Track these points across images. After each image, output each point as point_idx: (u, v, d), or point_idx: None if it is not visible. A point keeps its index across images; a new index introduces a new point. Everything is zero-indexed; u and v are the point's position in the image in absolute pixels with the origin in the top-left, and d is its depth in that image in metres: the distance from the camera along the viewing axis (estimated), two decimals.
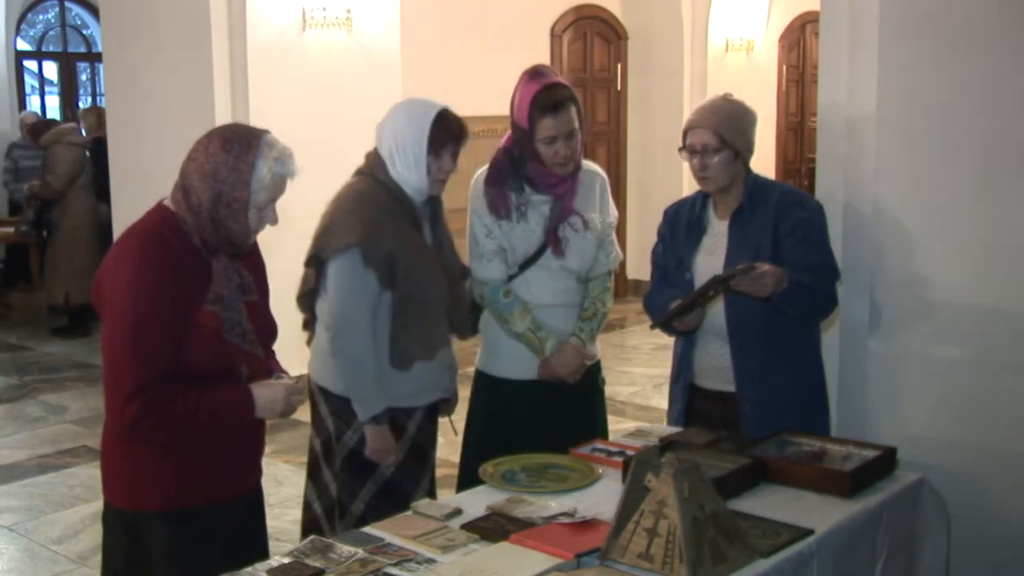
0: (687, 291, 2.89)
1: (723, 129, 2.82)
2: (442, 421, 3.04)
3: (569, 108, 2.93)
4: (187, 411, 2.21)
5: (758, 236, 2.84)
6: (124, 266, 2.23)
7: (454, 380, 3.00)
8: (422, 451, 2.90)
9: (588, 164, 3.14)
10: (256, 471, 2.51)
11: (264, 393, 2.32)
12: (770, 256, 2.79)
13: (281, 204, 2.60)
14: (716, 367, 2.93)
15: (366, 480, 2.82)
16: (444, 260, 2.89)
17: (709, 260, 2.91)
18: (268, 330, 2.51)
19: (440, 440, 3.02)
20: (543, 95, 2.92)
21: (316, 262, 2.80)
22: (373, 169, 2.83)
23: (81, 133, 8.66)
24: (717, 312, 2.88)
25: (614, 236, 3.18)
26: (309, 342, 2.95)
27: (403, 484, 2.84)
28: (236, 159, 2.21)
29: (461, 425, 3.14)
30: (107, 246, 2.54)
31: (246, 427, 2.34)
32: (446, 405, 3.00)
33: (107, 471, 2.38)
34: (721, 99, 2.90)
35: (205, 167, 2.23)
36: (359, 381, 2.76)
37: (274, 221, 2.34)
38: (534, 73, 2.98)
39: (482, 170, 3.08)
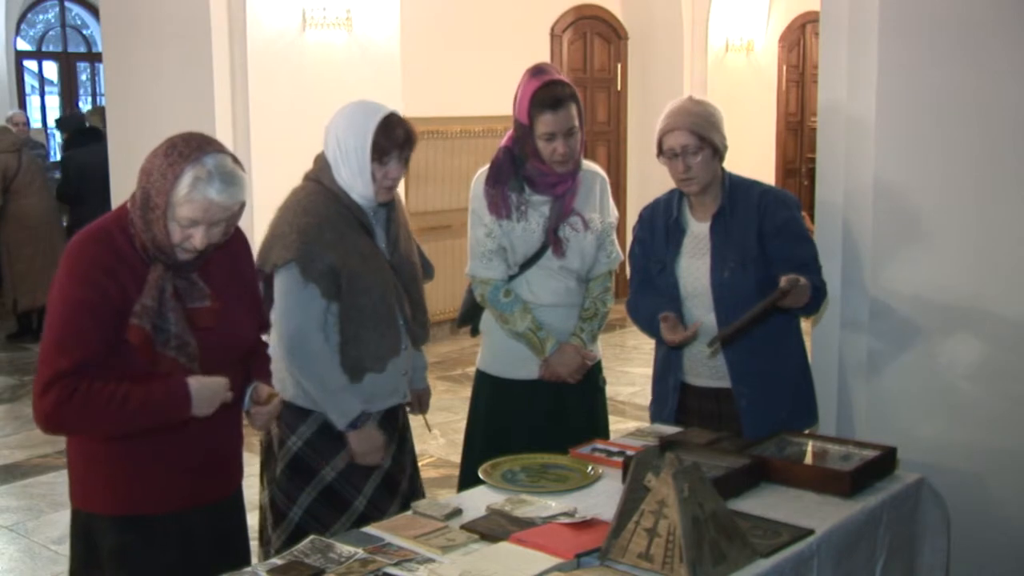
0: (673, 295, 2.92)
1: (700, 128, 2.84)
2: (416, 420, 3.04)
3: (569, 106, 2.93)
4: (113, 401, 2.10)
5: (742, 236, 2.86)
6: (65, 260, 2.17)
7: (422, 380, 3.00)
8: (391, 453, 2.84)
9: (588, 164, 3.14)
10: (228, 479, 2.42)
11: (204, 384, 2.18)
12: (756, 255, 2.83)
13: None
14: (707, 363, 2.94)
15: (305, 486, 2.74)
16: (399, 265, 2.80)
17: (693, 263, 2.92)
18: (238, 338, 2.34)
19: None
20: (543, 91, 2.92)
21: (261, 275, 2.67)
22: (319, 174, 2.75)
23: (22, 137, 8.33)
24: (706, 309, 2.89)
25: (614, 236, 3.18)
26: None
27: (343, 491, 2.76)
28: (168, 166, 2.12)
29: (437, 420, 3.11)
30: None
31: (185, 423, 2.19)
32: (406, 408, 2.95)
33: (69, 470, 2.35)
34: (688, 101, 2.92)
35: (145, 165, 2.18)
36: (327, 394, 2.69)
37: (198, 245, 2.15)
38: (536, 70, 2.99)
39: (483, 170, 3.08)
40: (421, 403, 3.05)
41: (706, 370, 2.96)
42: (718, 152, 2.88)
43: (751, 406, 2.89)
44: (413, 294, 2.85)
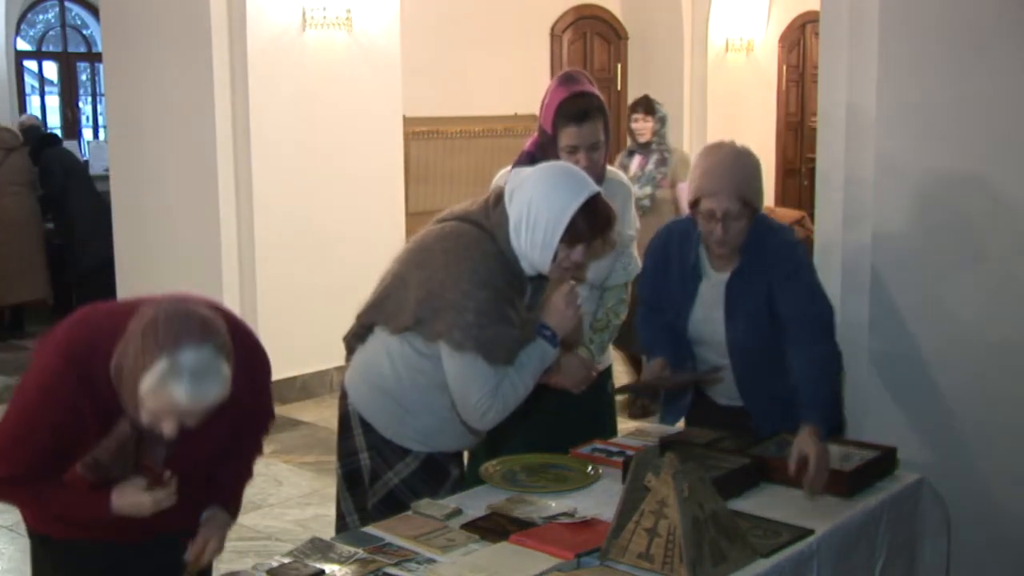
0: (684, 338, 2.82)
1: (744, 192, 2.61)
2: None
3: (595, 119, 2.83)
4: (36, 500, 2.11)
5: (755, 298, 2.71)
6: (47, 354, 2.04)
7: None
8: (458, 489, 2.71)
9: (614, 173, 3.05)
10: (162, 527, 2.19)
11: (126, 501, 2.05)
12: (768, 315, 2.69)
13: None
14: (722, 389, 2.85)
15: None
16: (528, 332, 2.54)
17: (708, 315, 2.78)
18: (196, 473, 2.16)
19: None
20: (569, 103, 2.82)
21: (410, 327, 2.45)
22: (494, 228, 2.42)
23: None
24: (720, 355, 2.80)
25: (633, 248, 3.07)
26: (349, 349, 2.72)
27: None
28: (142, 350, 1.89)
29: None
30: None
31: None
32: None
33: None
34: (731, 156, 2.67)
35: (127, 332, 1.94)
36: (534, 372, 2.47)
37: (168, 433, 1.96)
38: (565, 78, 2.90)
39: (503, 171, 3.01)
40: None
41: (715, 389, 2.88)
42: (757, 211, 2.69)
43: (765, 422, 2.79)
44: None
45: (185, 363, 1.87)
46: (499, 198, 2.46)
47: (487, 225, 2.43)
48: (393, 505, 2.59)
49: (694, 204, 2.68)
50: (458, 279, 2.36)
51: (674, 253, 2.83)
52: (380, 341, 2.58)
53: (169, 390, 1.87)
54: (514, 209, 2.40)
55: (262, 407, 2.30)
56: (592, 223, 2.37)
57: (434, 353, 2.45)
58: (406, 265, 2.52)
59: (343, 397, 2.72)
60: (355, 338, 2.69)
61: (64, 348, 2.02)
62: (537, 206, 2.36)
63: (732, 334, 2.75)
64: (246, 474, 2.37)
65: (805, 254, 2.80)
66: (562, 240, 2.35)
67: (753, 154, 2.71)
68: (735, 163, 2.65)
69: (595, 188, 2.40)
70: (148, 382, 1.87)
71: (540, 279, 2.53)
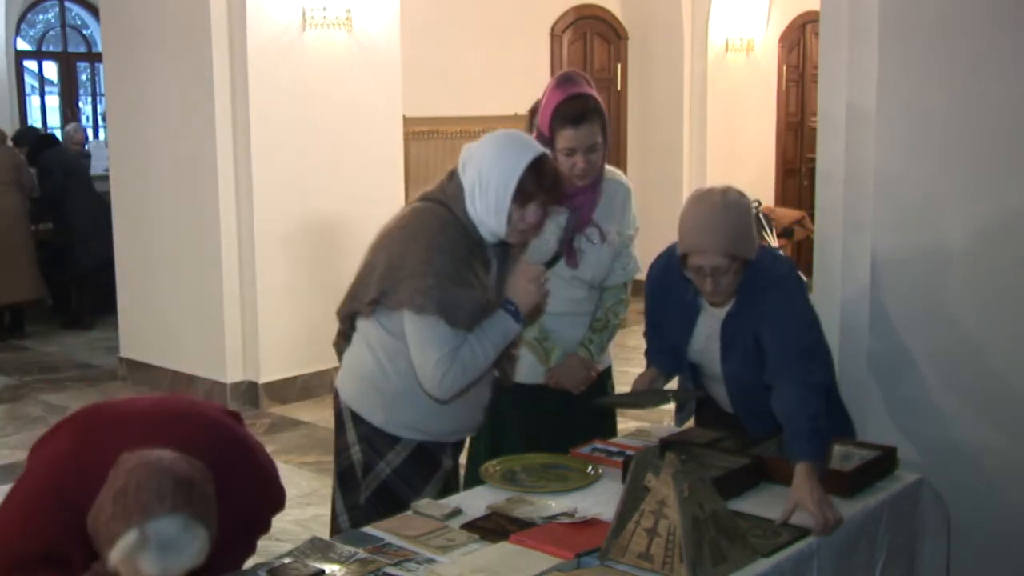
0: (683, 362, 2.83)
1: (733, 247, 2.54)
2: None
3: (593, 121, 2.82)
4: None
5: (750, 337, 2.68)
6: (29, 482, 2.08)
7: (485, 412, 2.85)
8: (451, 483, 2.77)
9: (614, 173, 3.05)
10: None
11: None
12: (758, 352, 2.65)
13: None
14: (723, 400, 2.85)
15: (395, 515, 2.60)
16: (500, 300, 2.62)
17: (706, 345, 2.76)
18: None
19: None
20: (566, 105, 2.81)
21: (375, 303, 2.53)
22: (450, 200, 2.52)
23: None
24: (718, 382, 2.80)
25: (632, 248, 3.09)
26: (340, 351, 2.78)
27: None
28: (112, 516, 1.81)
29: None
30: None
31: None
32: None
33: None
34: (719, 208, 2.55)
35: (104, 489, 1.85)
36: (496, 343, 2.52)
37: None
38: (563, 79, 2.89)
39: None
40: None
41: (721, 399, 2.87)
42: (748, 261, 2.60)
43: (763, 435, 2.76)
44: None
45: (154, 536, 1.79)
46: (454, 173, 2.57)
47: (444, 199, 2.54)
48: (386, 497, 2.62)
49: (683, 257, 2.61)
50: (416, 248, 2.46)
51: (674, 281, 2.77)
52: (360, 335, 2.65)
53: (137, 563, 1.79)
54: (467, 179, 2.51)
55: (268, 508, 2.29)
56: (540, 181, 2.46)
57: (404, 332, 2.51)
58: (373, 251, 2.60)
59: (336, 397, 2.76)
60: (343, 339, 2.74)
61: (52, 483, 2.04)
62: (487, 171, 2.47)
63: (729, 367, 2.74)
64: (249, 552, 2.32)
65: (796, 285, 2.72)
66: (514, 201, 2.45)
67: (742, 201, 2.60)
68: (723, 216, 2.54)
69: (541, 149, 2.51)
70: (117, 553, 1.80)
71: (505, 251, 2.61)
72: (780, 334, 2.60)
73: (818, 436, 2.43)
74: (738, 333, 2.68)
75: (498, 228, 2.49)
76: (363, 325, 2.63)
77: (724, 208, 2.55)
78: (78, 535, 1.93)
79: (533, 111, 2.99)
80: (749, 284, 2.63)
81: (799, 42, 9.99)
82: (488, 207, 2.47)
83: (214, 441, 2.10)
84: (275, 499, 2.32)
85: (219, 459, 2.02)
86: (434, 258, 2.44)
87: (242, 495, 2.08)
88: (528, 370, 3.02)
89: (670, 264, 2.77)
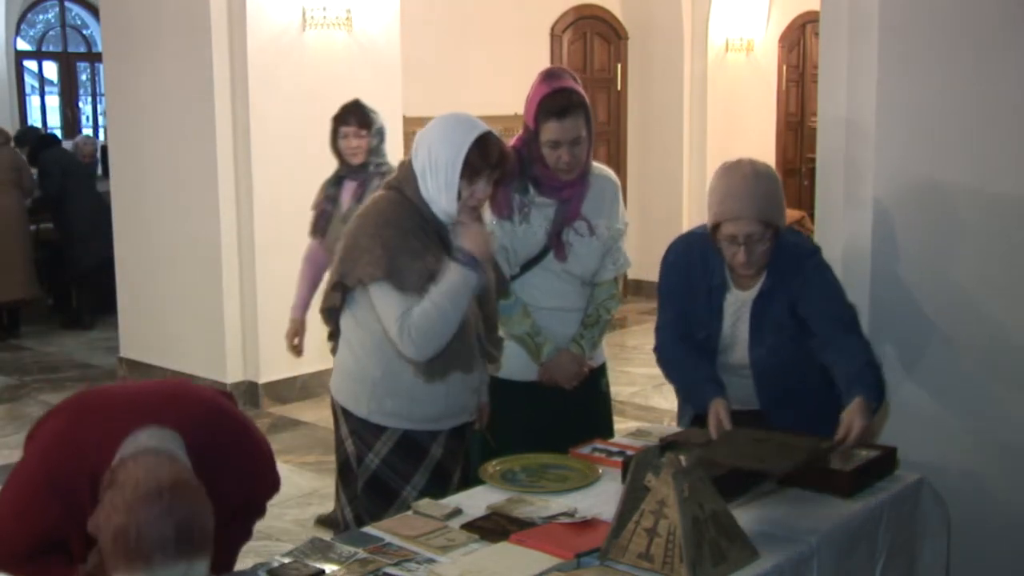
0: (715, 361, 2.74)
1: (766, 213, 2.56)
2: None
3: (577, 114, 2.87)
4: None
5: (780, 314, 2.68)
6: (24, 469, 2.05)
7: (484, 394, 2.87)
8: (445, 473, 2.77)
9: (601, 169, 3.08)
10: None
11: None
12: (793, 329, 2.67)
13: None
14: (737, 396, 2.76)
15: (388, 506, 2.67)
16: None
17: (732, 330, 2.74)
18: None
19: None
20: (551, 99, 2.89)
21: (340, 287, 2.66)
22: (402, 184, 2.65)
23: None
24: (745, 375, 2.77)
25: (622, 243, 3.11)
26: (333, 351, 2.84)
27: None
28: (111, 553, 1.75)
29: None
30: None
31: None
32: (472, 424, 2.88)
33: None
34: (751, 176, 2.59)
35: (106, 499, 1.79)
36: (445, 299, 2.56)
37: None
38: (548, 75, 2.95)
39: None
40: (481, 417, 2.92)
41: (734, 397, 2.77)
42: (780, 230, 2.63)
43: (781, 423, 2.74)
44: (487, 312, 2.77)
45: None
46: (408, 160, 2.69)
47: (398, 184, 2.66)
48: (378, 488, 2.70)
49: (714, 228, 2.62)
50: (366, 227, 2.61)
51: (696, 269, 2.76)
52: (342, 331, 2.75)
53: None
54: (418, 161, 2.63)
55: (263, 490, 2.30)
56: (486, 156, 2.59)
57: (372, 321, 2.64)
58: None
59: (331, 397, 2.85)
60: (331, 339, 2.84)
61: (46, 468, 2.02)
62: (436, 151, 2.59)
63: (756, 351, 2.73)
64: (245, 537, 2.34)
65: (823, 261, 2.76)
66: (462, 177, 2.57)
67: (772, 171, 2.65)
68: (756, 184, 2.58)
69: (486, 128, 2.64)
70: None
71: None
72: (828, 296, 2.68)
73: (877, 378, 2.53)
74: (771, 313, 2.70)
75: (448, 205, 2.60)
76: (343, 321, 2.74)
77: (755, 176, 2.60)
78: (75, 518, 1.93)
79: None
80: (779, 260, 2.67)
81: (799, 42, 9.99)
82: (439, 185, 2.59)
83: (210, 420, 2.09)
84: (271, 480, 2.33)
85: (214, 438, 2.04)
86: (382, 232, 2.58)
87: (238, 475, 2.09)
88: (521, 367, 3.03)
89: (690, 251, 2.79)
